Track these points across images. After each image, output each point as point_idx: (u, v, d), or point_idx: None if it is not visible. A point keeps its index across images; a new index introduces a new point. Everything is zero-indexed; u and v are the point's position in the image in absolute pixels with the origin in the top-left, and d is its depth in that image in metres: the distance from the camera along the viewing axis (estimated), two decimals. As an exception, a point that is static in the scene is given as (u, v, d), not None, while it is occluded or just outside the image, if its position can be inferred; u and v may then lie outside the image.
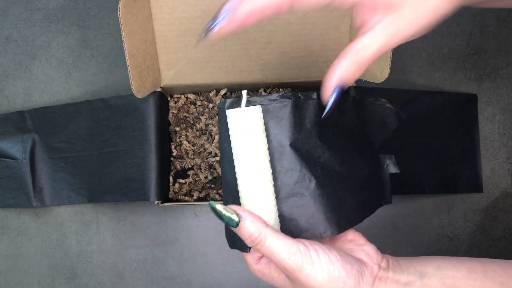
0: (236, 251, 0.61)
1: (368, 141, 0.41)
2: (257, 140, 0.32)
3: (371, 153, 0.41)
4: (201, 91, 0.63)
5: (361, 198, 0.38)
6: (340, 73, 0.29)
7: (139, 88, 0.54)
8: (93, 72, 0.65)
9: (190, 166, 0.62)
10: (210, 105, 0.62)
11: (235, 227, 0.30)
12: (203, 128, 0.62)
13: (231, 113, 0.32)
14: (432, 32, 0.65)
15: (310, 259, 0.30)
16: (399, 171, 0.42)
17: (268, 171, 0.32)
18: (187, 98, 0.63)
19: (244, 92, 0.32)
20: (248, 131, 0.31)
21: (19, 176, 0.61)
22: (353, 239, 0.36)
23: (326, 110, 0.30)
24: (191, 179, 0.61)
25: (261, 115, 0.32)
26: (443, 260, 0.35)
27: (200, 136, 0.62)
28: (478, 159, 0.63)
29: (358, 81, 0.54)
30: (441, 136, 0.61)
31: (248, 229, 0.30)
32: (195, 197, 0.60)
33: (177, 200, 0.60)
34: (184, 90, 0.62)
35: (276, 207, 0.33)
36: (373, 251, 0.35)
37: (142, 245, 0.62)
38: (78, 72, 0.65)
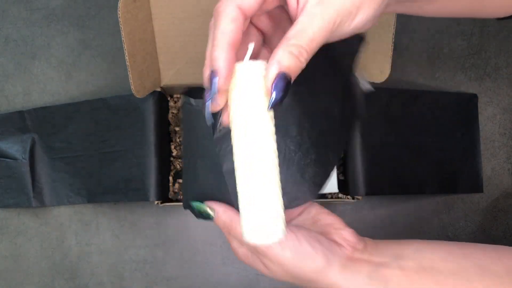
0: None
1: (338, 66, 0.38)
2: (258, 104, 0.26)
3: (340, 79, 0.39)
4: (201, 91, 0.62)
5: (334, 143, 0.37)
6: (277, 62, 0.25)
7: (139, 88, 0.54)
8: (93, 72, 0.65)
9: (190, 166, 0.62)
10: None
11: (211, 220, 0.35)
12: (203, 128, 0.62)
13: (242, 67, 0.27)
14: (433, 31, 0.65)
15: None
16: (373, 89, 0.40)
17: (271, 146, 0.27)
18: (187, 98, 0.63)
19: (250, 46, 0.27)
20: (247, 92, 0.26)
21: (19, 176, 0.61)
22: (332, 223, 0.36)
23: (271, 102, 0.25)
24: (191, 179, 0.61)
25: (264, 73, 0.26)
26: (423, 243, 0.36)
27: (200, 136, 0.62)
28: (479, 159, 0.62)
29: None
30: (442, 136, 0.61)
31: (221, 219, 0.34)
32: (195, 197, 0.60)
33: (177, 200, 0.60)
34: (184, 90, 0.62)
35: (282, 201, 0.28)
36: (350, 234, 0.35)
37: (142, 245, 0.62)
38: (78, 72, 0.65)
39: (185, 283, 0.62)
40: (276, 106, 0.26)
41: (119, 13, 0.47)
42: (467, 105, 0.63)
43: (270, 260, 0.33)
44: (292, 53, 0.25)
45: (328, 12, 0.25)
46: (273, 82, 0.25)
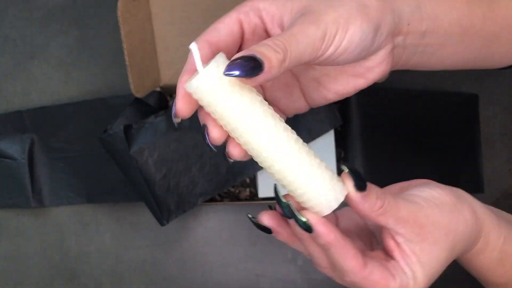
0: (236, 252, 0.61)
1: None
2: (239, 104, 0.23)
3: None
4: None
5: None
6: (247, 49, 0.23)
7: (139, 87, 0.53)
8: (92, 72, 0.65)
9: (189, 166, 0.61)
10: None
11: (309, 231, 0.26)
12: (203, 128, 0.62)
13: (190, 89, 0.23)
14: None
15: None
16: None
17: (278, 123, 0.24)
18: (186, 98, 0.63)
19: (192, 46, 0.24)
20: (221, 100, 0.23)
21: (18, 176, 0.61)
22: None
23: (227, 70, 0.22)
24: (190, 179, 0.61)
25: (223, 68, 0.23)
26: None
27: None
28: (479, 159, 0.62)
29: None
30: (442, 136, 0.61)
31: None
32: (194, 198, 0.60)
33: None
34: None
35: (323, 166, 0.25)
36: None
37: (142, 245, 0.62)
38: (77, 72, 0.65)
39: (185, 284, 0.61)
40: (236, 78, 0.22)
41: (119, 12, 0.47)
42: (467, 105, 0.63)
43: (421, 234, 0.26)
44: (265, 43, 0.22)
45: (314, 19, 0.23)
46: (235, 59, 0.22)
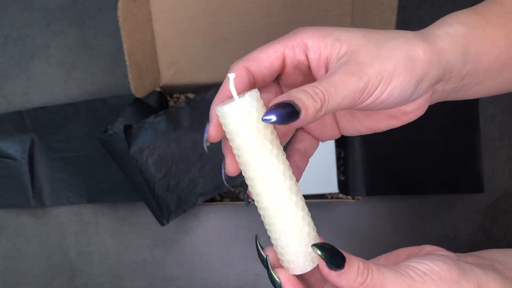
0: (236, 252, 0.61)
1: None
2: (256, 145, 0.24)
3: None
4: (201, 90, 0.62)
5: None
6: (287, 94, 0.23)
7: (139, 87, 0.53)
8: (92, 72, 0.65)
9: (189, 166, 0.61)
10: (210, 105, 0.62)
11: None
12: (203, 128, 0.62)
13: (219, 112, 0.24)
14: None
15: None
16: None
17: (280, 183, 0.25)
18: (186, 97, 0.63)
19: (231, 76, 0.24)
20: (244, 133, 0.24)
21: (18, 176, 0.61)
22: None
23: (265, 117, 0.23)
24: (190, 179, 0.61)
25: (256, 105, 0.24)
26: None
27: (200, 136, 0.62)
28: (479, 159, 0.62)
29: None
30: (442, 136, 0.61)
31: None
32: (194, 198, 0.60)
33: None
34: (184, 89, 0.62)
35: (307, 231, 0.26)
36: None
37: (142, 245, 0.62)
38: (77, 72, 0.65)
39: (185, 284, 0.61)
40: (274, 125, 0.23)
41: (119, 12, 0.47)
42: (467, 105, 0.63)
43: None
44: (305, 90, 0.22)
45: (357, 70, 0.23)
46: (274, 105, 0.22)
